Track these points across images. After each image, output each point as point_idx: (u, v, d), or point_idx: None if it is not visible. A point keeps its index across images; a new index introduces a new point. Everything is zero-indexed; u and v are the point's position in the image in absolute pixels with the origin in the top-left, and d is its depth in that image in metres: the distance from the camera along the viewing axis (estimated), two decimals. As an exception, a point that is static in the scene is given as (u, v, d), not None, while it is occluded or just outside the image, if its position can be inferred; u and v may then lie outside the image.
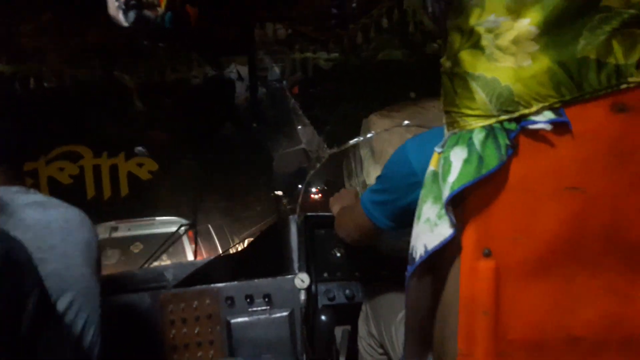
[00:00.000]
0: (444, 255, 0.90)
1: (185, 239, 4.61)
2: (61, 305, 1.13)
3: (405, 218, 1.04)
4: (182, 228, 2.36)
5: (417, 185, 0.98)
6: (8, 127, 1.26)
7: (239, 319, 1.68)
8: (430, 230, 0.89)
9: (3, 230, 0.83)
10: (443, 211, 0.87)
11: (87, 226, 1.27)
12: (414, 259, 0.92)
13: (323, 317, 1.35)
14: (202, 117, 5.47)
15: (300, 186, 2.22)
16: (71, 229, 1.21)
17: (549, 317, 0.87)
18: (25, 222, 1.16)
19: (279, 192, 2.32)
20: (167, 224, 4.91)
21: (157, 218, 4.93)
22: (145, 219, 4.85)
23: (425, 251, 0.89)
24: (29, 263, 0.83)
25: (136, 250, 4.58)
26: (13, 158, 1.28)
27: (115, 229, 4.33)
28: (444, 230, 0.87)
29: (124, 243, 4.52)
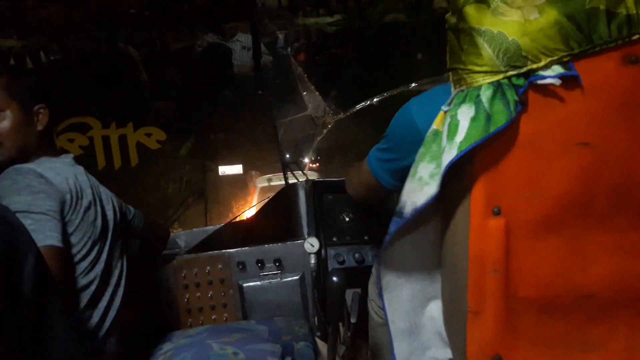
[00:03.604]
0: (453, 214, 0.90)
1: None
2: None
3: None
4: (190, 199, 2.42)
5: (421, 144, 0.96)
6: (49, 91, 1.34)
7: (251, 283, 1.71)
8: (420, 188, 0.89)
9: None
10: (436, 170, 0.87)
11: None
12: (401, 214, 0.93)
13: (334, 279, 1.36)
14: (201, 86, 5.52)
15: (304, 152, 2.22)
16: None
17: (559, 274, 0.87)
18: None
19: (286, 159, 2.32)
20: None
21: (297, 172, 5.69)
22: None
23: (414, 209, 0.90)
24: (21, 227, 0.85)
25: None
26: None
27: (270, 179, 4.74)
28: (431, 189, 0.87)
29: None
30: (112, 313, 1.29)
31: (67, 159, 1.36)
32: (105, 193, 1.40)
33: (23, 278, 0.81)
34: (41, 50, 5.35)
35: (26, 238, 0.85)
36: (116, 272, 1.35)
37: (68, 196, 1.22)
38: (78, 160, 1.38)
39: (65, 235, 1.18)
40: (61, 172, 1.26)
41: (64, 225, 1.19)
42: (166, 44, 5.96)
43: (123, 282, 1.36)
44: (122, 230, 1.43)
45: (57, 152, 1.37)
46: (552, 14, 0.77)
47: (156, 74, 5.68)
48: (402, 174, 1.10)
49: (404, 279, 1.04)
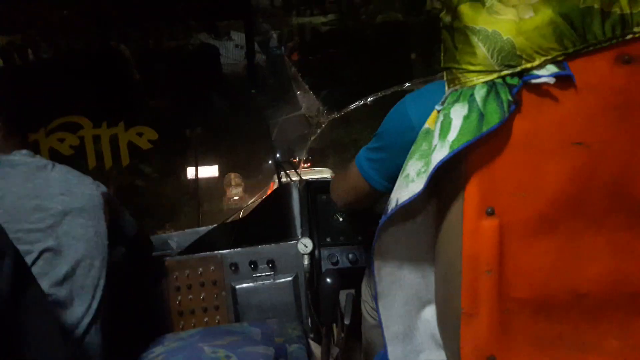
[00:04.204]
0: (446, 215, 0.89)
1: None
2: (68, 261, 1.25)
3: None
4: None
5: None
6: (11, 95, 1.32)
7: (244, 285, 1.69)
8: (406, 185, 0.89)
9: None
10: (424, 168, 0.86)
11: (88, 184, 1.39)
12: (386, 211, 0.93)
13: (327, 280, 1.35)
14: (191, 86, 5.46)
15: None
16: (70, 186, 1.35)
17: (553, 274, 0.86)
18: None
19: (279, 159, 2.30)
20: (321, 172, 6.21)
21: (315, 168, 6.18)
22: (306, 168, 6.07)
23: (396, 205, 0.90)
24: None
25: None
26: (17, 124, 1.34)
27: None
28: (416, 187, 0.86)
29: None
30: (91, 311, 1.29)
31: (16, 156, 1.34)
32: (80, 187, 1.38)
33: (1, 276, 0.81)
34: (29, 48, 5.31)
35: (3, 237, 0.85)
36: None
37: None
38: (69, 160, 1.37)
39: None
40: None
41: None
42: (159, 42, 5.94)
43: (103, 277, 1.34)
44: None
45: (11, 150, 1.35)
46: (546, 13, 0.76)
47: (148, 73, 5.64)
48: (394, 174, 1.07)
49: (398, 283, 1.03)
